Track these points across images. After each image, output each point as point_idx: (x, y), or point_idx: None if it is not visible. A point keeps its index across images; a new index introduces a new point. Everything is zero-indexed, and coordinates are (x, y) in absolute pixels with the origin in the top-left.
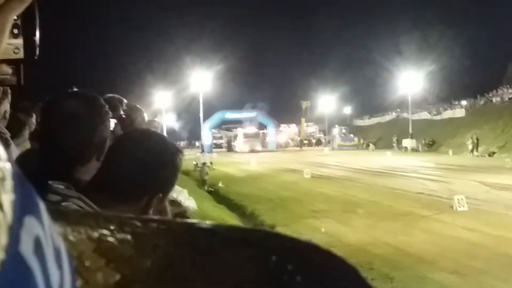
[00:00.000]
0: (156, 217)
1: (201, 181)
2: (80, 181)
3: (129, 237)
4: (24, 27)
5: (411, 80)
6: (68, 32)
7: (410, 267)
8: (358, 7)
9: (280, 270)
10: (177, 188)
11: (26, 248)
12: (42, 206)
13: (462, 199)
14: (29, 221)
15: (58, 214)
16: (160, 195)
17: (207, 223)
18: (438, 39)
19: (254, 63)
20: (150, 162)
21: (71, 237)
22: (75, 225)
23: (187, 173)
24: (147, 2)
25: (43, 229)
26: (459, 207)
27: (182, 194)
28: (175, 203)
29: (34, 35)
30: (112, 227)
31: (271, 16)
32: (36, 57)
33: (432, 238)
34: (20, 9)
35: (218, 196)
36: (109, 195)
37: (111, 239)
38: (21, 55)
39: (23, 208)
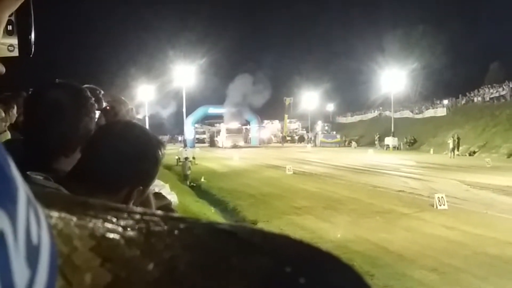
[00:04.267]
0: (179, 215)
1: (183, 176)
2: (63, 173)
3: (141, 235)
4: (19, 25)
5: (393, 78)
6: (49, 23)
7: (391, 264)
8: (341, 5)
9: (291, 283)
10: (159, 182)
11: None
12: (21, 197)
13: (442, 197)
14: None
15: (75, 206)
16: (141, 187)
17: (231, 225)
18: (420, 38)
19: (237, 58)
20: (132, 154)
21: (68, 232)
22: (89, 218)
23: (169, 167)
24: None
25: (14, 223)
26: (440, 205)
27: (164, 189)
28: (159, 196)
29: (30, 33)
30: (129, 223)
31: (254, 11)
32: (31, 56)
33: (413, 236)
34: (14, 7)
35: (200, 191)
36: (88, 186)
37: (118, 237)
38: (16, 53)
39: None
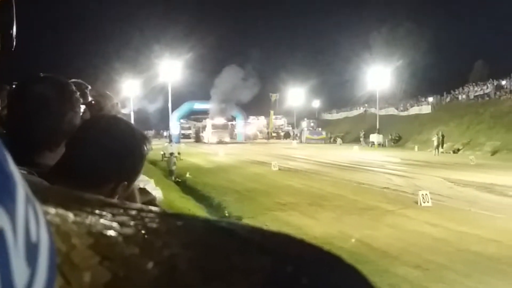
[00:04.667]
0: (175, 213)
1: (168, 171)
2: (47, 167)
3: (139, 233)
4: (0, 18)
5: (379, 75)
6: (33, 16)
7: (374, 261)
8: (328, 2)
9: (293, 283)
10: (144, 177)
11: None
12: (20, 194)
13: (426, 194)
14: None
15: (71, 201)
16: (125, 182)
17: (229, 222)
18: (406, 36)
19: (223, 54)
20: (116, 149)
21: (66, 229)
22: (85, 214)
23: (154, 163)
24: None
25: (13, 220)
26: (424, 202)
27: (149, 184)
28: (143, 191)
29: (11, 27)
30: (125, 220)
31: (241, 7)
32: (13, 50)
33: (397, 232)
34: None
35: (185, 187)
36: (72, 181)
37: (115, 234)
38: None
39: None
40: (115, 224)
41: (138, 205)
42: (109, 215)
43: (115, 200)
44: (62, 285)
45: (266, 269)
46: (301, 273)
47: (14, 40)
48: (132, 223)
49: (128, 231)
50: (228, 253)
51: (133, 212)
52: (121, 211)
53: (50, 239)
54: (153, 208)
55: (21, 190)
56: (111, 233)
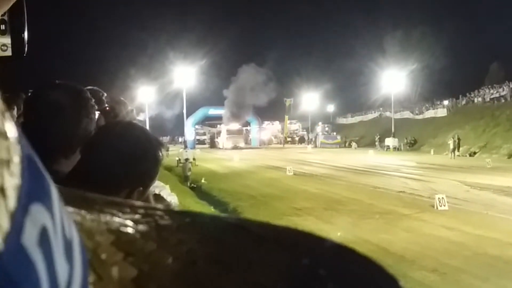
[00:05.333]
0: (181, 210)
1: (184, 177)
2: (63, 174)
3: (152, 229)
4: (12, 24)
5: (394, 79)
6: (48, 24)
7: (391, 265)
8: (341, 6)
9: (311, 275)
10: (159, 183)
11: (30, 239)
12: (54, 193)
13: (443, 198)
14: (36, 210)
15: (80, 200)
16: (141, 188)
17: (237, 218)
18: (421, 39)
19: (238, 60)
20: (132, 154)
21: (88, 227)
22: (97, 213)
23: (169, 169)
24: None
25: (52, 218)
26: (440, 206)
27: (164, 190)
28: (158, 197)
29: (23, 32)
30: (136, 217)
31: (255, 12)
32: (24, 55)
33: (413, 236)
34: (6, 6)
35: (201, 192)
36: (87, 187)
37: (132, 231)
38: (9, 52)
39: (31, 195)
40: (129, 222)
41: (142, 203)
42: (120, 213)
43: (119, 199)
44: (94, 281)
45: (283, 263)
46: (318, 265)
47: (26, 45)
48: (143, 220)
49: (142, 228)
50: (244, 248)
51: (141, 210)
52: (128, 209)
53: (79, 236)
54: (159, 206)
55: (55, 189)
56: (129, 230)
